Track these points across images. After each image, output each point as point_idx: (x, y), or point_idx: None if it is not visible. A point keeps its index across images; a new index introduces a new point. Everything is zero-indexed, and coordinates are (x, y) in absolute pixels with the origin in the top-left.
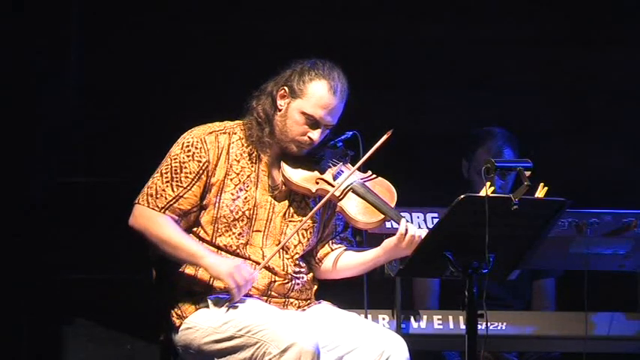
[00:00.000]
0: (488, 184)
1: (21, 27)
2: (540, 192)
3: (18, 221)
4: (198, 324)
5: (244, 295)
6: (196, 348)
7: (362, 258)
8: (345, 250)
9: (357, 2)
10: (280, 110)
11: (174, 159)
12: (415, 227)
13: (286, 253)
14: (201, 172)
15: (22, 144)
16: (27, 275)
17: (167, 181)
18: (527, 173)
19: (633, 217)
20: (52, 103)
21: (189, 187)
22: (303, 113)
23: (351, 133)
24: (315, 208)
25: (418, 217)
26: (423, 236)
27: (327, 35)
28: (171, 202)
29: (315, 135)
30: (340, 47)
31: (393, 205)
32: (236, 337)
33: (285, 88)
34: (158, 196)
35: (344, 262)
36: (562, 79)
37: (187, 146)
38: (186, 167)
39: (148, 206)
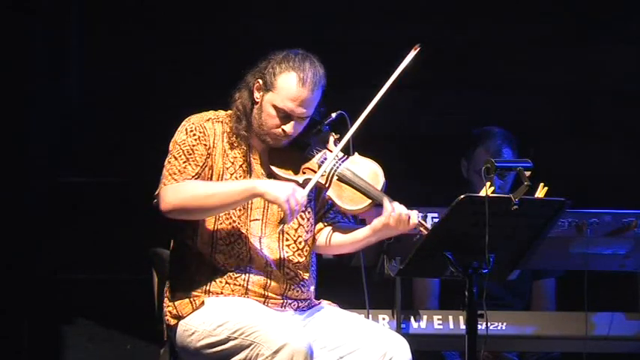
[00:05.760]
0: (488, 184)
1: (21, 27)
2: (540, 192)
3: (17, 221)
4: (194, 326)
5: (242, 298)
6: (193, 350)
7: (353, 237)
8: (338, 225)
9: (357, 3)
10: (257, 103)
11: (183, 144)
12: (401, 205)
13: (287, 239)
14: (207, 155)
15: (21, 144)
16: (27, 275)
17: (184, 162)
18: (527, 173)
19: (633, 217)
20: (51, 102)
21: (204, 167)
22: (275, 107)
23: (336, 114)
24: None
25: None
26: (411, 215)
27: (327, 35)
28: (195, 178)
29: (289, 128)
30: (340, 48)
31: (379, 187)
32: (231, 340)
33: (260, 80)
34: (181, 173)
35: (337, 239)
36: (562, 79)
37: (192, 131)
38: (197, 149)
39: (176, 182)
